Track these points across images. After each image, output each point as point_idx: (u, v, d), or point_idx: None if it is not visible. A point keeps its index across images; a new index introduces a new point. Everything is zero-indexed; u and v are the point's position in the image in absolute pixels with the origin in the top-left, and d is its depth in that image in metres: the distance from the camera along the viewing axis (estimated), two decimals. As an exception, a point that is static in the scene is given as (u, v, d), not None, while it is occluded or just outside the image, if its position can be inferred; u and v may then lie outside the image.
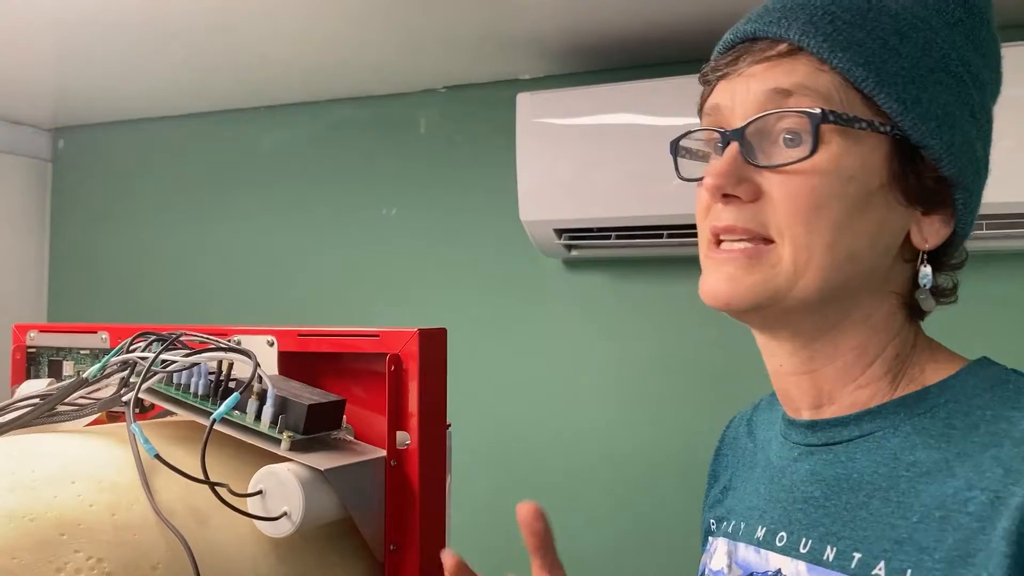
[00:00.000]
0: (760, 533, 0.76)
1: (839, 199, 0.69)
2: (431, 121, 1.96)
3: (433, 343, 0.77)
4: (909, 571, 0.65)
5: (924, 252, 0.73)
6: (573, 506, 1.77)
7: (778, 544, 0.74)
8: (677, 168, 0.79)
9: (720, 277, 0.71)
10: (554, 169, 1.63)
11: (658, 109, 1.54)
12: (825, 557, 0.70)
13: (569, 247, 1.71)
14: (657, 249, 1.63)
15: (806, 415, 0.77)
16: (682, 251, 1.60)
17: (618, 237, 1.63)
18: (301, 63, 1.80)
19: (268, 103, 2.12)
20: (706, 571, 0.85)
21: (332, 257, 2.05)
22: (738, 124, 0.72)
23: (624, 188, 1.57)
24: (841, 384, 0.74)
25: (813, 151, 0.68)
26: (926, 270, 0.73)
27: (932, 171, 0.71)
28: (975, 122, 0.74)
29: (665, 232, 1.57)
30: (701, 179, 0.74)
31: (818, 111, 0.68)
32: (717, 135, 0.73)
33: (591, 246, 1.68)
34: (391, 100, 2.00)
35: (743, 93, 0.72)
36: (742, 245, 0.71)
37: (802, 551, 0.72)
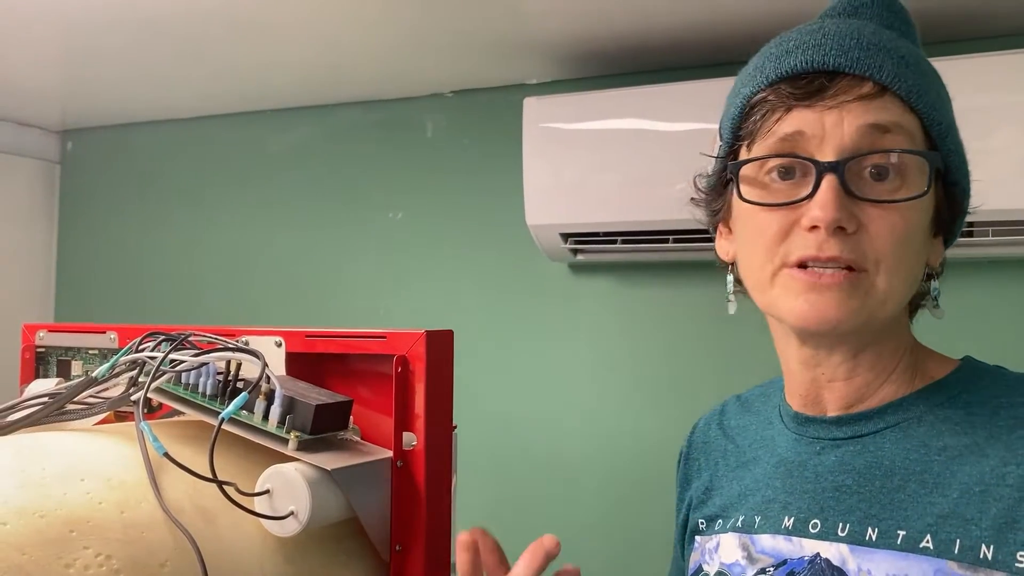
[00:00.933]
0: (788, 523, 0.81)
1: (920, 231, 0.77)
2: (438, 125, 1.97)
3: (440, 345, 0.77)
4: (958, 540, 0.71)
5: (934, 269, 0.82)
6: (578, 508, 1.77)
7: (811, 531, 0.79)
8: (740, 193, 0.80)
9: (825, 300, 0.75)
10: (561, 173, 1.63)
11: (665, 114, 1.54)
12: (867, 538, 0.76)
13: (575, 251, 1.71)
14: (663, 254, 1.63)
15: (833, 412, 0.83)
16: (688, 256, 1.61)
17: (624, 241, 1.63)
18: (309, 66, 1.80)
19: (276, 106, 2.13)
20: (702, 567, 0.88)
21: (339, 260, 2.06)
22: (826, 156, 0.75)
23: (630, 193, 1.57)
24: (877, 385, 0.81)
25: (926, 192, 0.75)
26: (936, 283, 0.83)
27: (957, 204, 0.81)
28: (965, 162, 0.83)
29: (671, 237, 1.57)
30: (776, 205, 0.77)
31: (937, 155, 0.76)
32: (806, 163, 0.75)
33: (597, 250, 1.69)
34: (399, 104, 2.01)
35: (836, 126, 0.75)
36: (841, 272, 0.74)
37: (841, 534, 0.77)
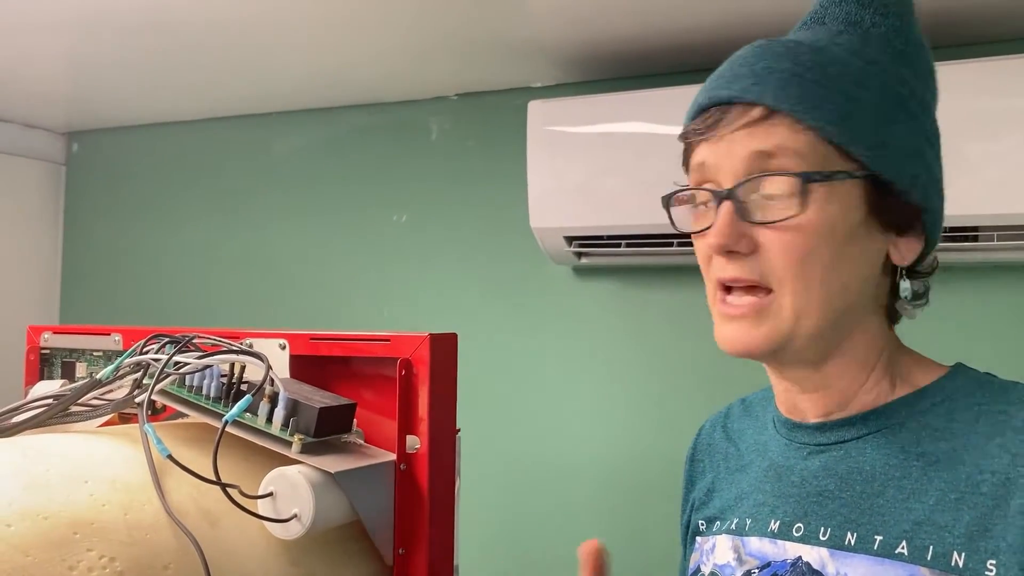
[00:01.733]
0: (774, 526, 0.83)
1: (827, 244, 0.77)
2: (443, 128, 1.97)
3: (444, 348, 0.78)
4: (931, 547, 0.73)
5: (903, 268, 0.82)
6: (582, 512, 1.77)
7: (795, 534, 0.81)
8: (672, 221, 0.86)
9: (735, 330, 0.79)
10: (565, 177, 1.63)
11: (669, 118, 1.54)
12: (846, 542, 0.77)
13: (579, 255, 1.71)
14: (667, 257, 1.63)
15: (813, 420, 0.84)
16: (691, 260, 1.59)
17: (628, 245, 1.63)
18: (314, 69, 1.81)
19: (281, 109, 2.13)
20: (700, 568, 0.91)
21: (343, 262, 2.06)
22: (726, 184, 0.79)
23: (634, 196, 1.57)
24: (851, 394, 0.82)
25: (802, 209, 0.76)
26: (906, 284, 0.82)
27: (900, 201, 0.79)
28: (931, 147, 0.81)
29: (675, 241, 1.57)
30: (698, 232, 0.82)
31: (802, 174, 0.76)
32: (707, 193, 0.80)
33: (601, 254, 1.69)
34: (403, 107, 2.01)
35: (727, 156, 0.79)
36: (748, 299, 0.78)
37: (822, 539, 0.79)
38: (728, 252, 0.78)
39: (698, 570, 0.91)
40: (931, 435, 0.78)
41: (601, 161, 1.60)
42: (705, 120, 0.80)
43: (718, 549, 0.89)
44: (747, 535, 0.85)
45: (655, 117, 1.56)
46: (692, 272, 1.77)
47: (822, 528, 0.79)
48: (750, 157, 0.77)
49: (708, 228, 0.79)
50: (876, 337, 0.82)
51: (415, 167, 2.00)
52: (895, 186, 0.78)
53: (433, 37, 1.58)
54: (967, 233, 1.38)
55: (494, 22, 1.49)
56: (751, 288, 0.78)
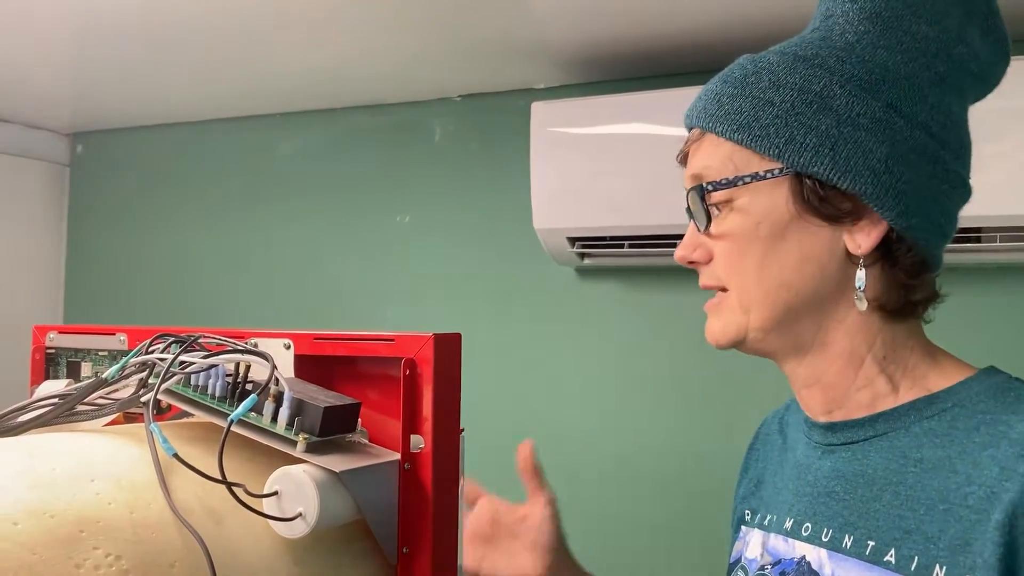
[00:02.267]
0: (788, 524, 0.85)
1: (754, 244, 0.82)
2: (446, 129, 1.98)
3: (448, 348, 0.78)
4: (916, 558, 0.73)
5: (861, 258, 0.81)
6: (584, 510, 1.77)
7: (803, 534, 0.83)
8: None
9: (708, 325, 0.88)
10: (568, 178, 1.64)
11: (672, 119, 1.54)
12: (843, 545, 0.78)
13: (582, 255, 1.71)
14: (670, 258, 1.63)
15: (822, 419, 0.87)
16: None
17: (631, 246, 1.63)
18: (317, 71, 1.81)
19: (285, 110, 2.14)
20: (741, 558, 0.93)
21: (347, 263, 2.06)
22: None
23: (637, 197, 1.57)
24: (843, 390, 0.84)
25: (709, 219, 0.84)
26: (860, 274, 0.81)
27: (830, 189, 0.79)
28: (870, 130, 0.79)
29: (678, 241, 1.57)
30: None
31: (697, 187, 0.84)
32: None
33: (604, 254, 1.69)
34: (406, 108, 2.01)
35: (686, 177, 0.88)
36: (715, 298, 0.87)
37: (824, 540, 0.81)
38: (692, 262, 0.87)
39: (738, 561, 0.93)
40: (931, 441, 0.78)
41: (604, 162, 1.60)
42: (686, 143, 0.89)
43: (751, 543, 0.91)
44: (770, 531, 0.88)
45: (658, 118, 1.57)
46: (695, 273, 1.77)
47: (825, 529, 0.80)
48: (691, 179, 0.86)
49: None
50: (857, 330, 0.82)
51: (418, 168, 2.00)
52: (817, 176, 0.79)
53: (436, 39, 1.58)
54: (970, 234, 1.38)
55: (497, 23, 1.49)
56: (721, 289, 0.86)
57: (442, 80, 1.86)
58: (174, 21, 1.53)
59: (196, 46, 1.66)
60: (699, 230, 0.86)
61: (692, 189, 0.85)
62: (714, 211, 0.84)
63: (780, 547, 0.85)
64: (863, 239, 0.80)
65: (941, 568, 0.71)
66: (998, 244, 1.37)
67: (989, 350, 1.49)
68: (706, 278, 0.87)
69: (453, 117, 1.97)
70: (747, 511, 0.97)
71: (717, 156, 0.83)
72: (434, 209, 1.98)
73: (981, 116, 1.42)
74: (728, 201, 0.82)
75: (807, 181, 0.80)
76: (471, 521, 1.09)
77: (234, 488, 0.67)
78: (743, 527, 0.96)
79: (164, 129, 2.31)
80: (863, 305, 0.81)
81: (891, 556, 0.74)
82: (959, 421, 0.77)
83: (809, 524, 0.83)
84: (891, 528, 0.76)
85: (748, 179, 0.81)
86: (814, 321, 0.82)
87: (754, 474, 1.00)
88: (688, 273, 1.80)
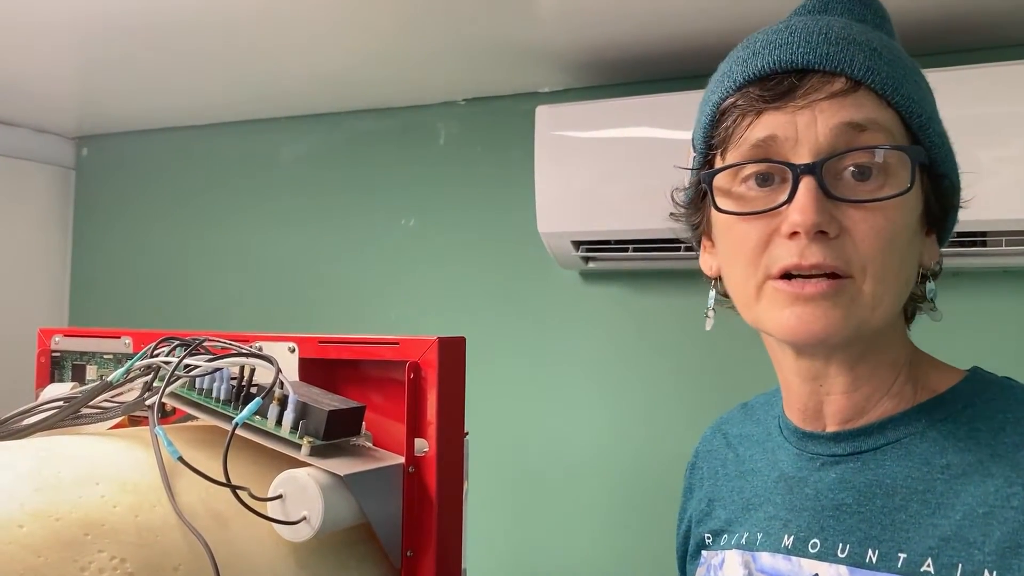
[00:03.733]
0: (788, 541, 0.79)
1: (906, 232, 0.73)
2: (451, 133, 1.98)
3: (452, 351, 0.78)
4: (960, 565, 0.68)
5: (930, 269, 0.79)
6: (589, 515, 1.77)
7: (811, 550, 0.77)
8: (715, 201, 0.77)
9: (809, 312, 0.71)
10: (572, 181, 1.64)
11: (676, 122, 1.55)
12: (868, 560, 0.73)
13: (586, 259, 1.71)
14: (674, 262, 1.63)
15: (831, 428, 0.80)
16: (698, 264, 1.60)
17: (635, 249, 1.63)
18: (322, 74, 1.81)
19: (289, 114, 2.14)
20: None
21: (351, 266, 2.07)
22: (806, 157, 0.71)
23: (642, 201, 1.57)
24: (876, 398, 0.78)
25: (910, 188, 0.71)
26: (931, 285, 0.79)
27: (946, 196, 0.77)
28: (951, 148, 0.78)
29: (682, 245, 1.57)
30: (767, 211, 0.73)
31: (911, 148, 0.72)
32: (782, 167, 0.73)
33: (608, 258, 1.69)
34: (411, 112, 2.02)
35: (809, 127, 0.71)
36: (824, 280, 0.71)
37: (840, 555, 0.75)
38: (816, 233, 0.70)
39: None
40: (955, 446, 0.73)
41: (609, 166, 1.60)
42: (773, 87, 0.73)
43: (727, 565, 0.84)
44: (758, 550, 0.81)
45: (663, 122, 1.56)
46: (700, 276, 1.77)
47: (840, 544, 0.75)
48: (839, 129, 0.71)
49: (776, 207, 0.72)
50: (901, 341, 0.79)
51: (423, 172, 2.00)
52: (946, 180, 0.76)
53: (441, 42, 1.58)
54: (976, 238, 1.38)
55: (502, 27, 1.50)
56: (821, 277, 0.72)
57: (447, 84, 1.86)
58: (179, 25, 1.53)
59: (201, 50, 1.66)
60: (837, 196, 0.70)
61: (885, 147, 0.71)
62: (875, 180, 0.71)
63: (781, 566, 0.78)
64: (933, 251, 0.79)
65: (991, 573, 0.67)
66: (1004, 248, 1.37)
67: (994, 353, 1.49)
68: (830, 256, 0.70)
69: (458, 121, 1.98)
70: (707, 535, 0.89)
71: (888, 119, 0.72)
72: (439, 212, 1.98)
73: (986, 121, 1.42)
74: (912, 171, 0.71)
75: (942, 182, 0.76)
76: None
77: (239, 491, 0.68)
78: (704, 552, 0.89)
79: (168, 133, 2.32)
80: (939, 316, 0.80)
81: (929, 566, 0.69)
82: (979, 422, 0.74)
83: (817, 540, 0.77)
84: (925, 538, 0.71)
85: (928, 161, 0.74)
86: (889, 328, 0.76)
87: (702, 495, 0.93)
88: (693, 277, 1.80)
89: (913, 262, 0.75)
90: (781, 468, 0.84)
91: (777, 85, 0.73)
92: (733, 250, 0.77)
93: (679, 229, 0.90)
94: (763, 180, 0.74)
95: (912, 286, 0.76)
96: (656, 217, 1.60)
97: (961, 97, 1.30)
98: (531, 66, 1.71)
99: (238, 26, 1.53)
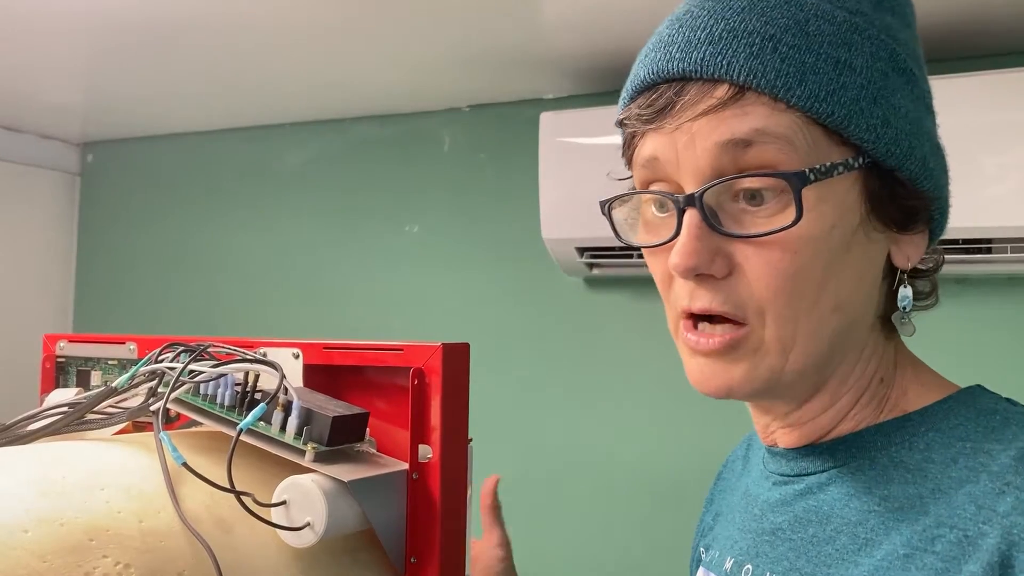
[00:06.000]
0: (728, 564, 0.73)
1: (819, 258, 0.62)
2: (455, 139, 1.98)
3: (456, 358, 0.78)
4: None
5: (905, 272, 0.67)
6: (593, 522, 1.77)
7: None
8: (616, 231, 0.71)
9: (707, 368, 0.65)
10: (576, 188, 1.64)
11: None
12: None
13: (591, 265, 1.71)
14: (678, 269, 1.63)
15: (782, 445, 0.73)
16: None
17: (640, 256, 1.63)
18: (326, 81, 1.82)
19: (294, 120, 2.15)
20: None
21: (356, 272, 2.07)
22: (688, 185, 0.63)
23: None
24: (832, 425, 0.70)
25: (798, 218, 0.60)
26: (906, 292, 0.67)
27: (908, 190, 0.65)
28: (930, 114, 0.67)
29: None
30: (654, 246, 0.67)
31: (796, 173, 0.60)
32: (661, 197, 0.65)
33: (613, 264, 1.69)
34: (416, 118, 2.02)
35: (688, 149, 0.62)
36: (720, 330, 0.64)
37: None
38: (699, 275, 0.62)
39: None
40: (901, 476, 0.64)
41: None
42: (652, 102, 0.64)
43: None
44: (712, 570, 0.77)
45: (667, 129, 1.56)
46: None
47: (768, 573, 0.69)
48: (719, 148, 0.61)
49: (667, 242, 0.65)
50: (868, 356, 0.69)
51: (427, 178, 2.00)
52: (900, 173, 0.63)
53: (445, 49, 1.59)
54: (980, 245, 1.38)
55: (506, 34, 1.50)
56: (721, 319, 0.64)
57: (451, 90, 1.87)
58: (184, 32, 1.54)
59: (206, 56, 1.67)
60: (717, 229, 0.61)
61: (754, 174, 0.60)
62: (770, 205, 0.61)
63: None
64: (913, 251, 0.67)
65: None
66: (1008, 255, 1.37)
67: (999, 361, 1.49)
68: (716, 301, 0.62)
69: (462, 127, 1.98)
70: (702, 548, 0.84)
71: (780, 124, 0.60)
72: (443, 219, 1.98)
73: (990, 128, 1.42)
74: (799, 198, 0.59)
75: (895, 175, 0.63)
76: None
77: (243, 497, 0.68)
78: (700, 568, 0.83)
79: (174, 139, 2.33)
80: (910, 330, 0.68)
81: None
82: (934, 451, 0.64)
83: (751, 566, 0.70)
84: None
85: (841, 169, 0.61)
86: (840, 353, 0.66)
87: (716, 507, 0.87)
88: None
89: (849, 283, 0.64)
90: (747, 485, 0.80)
91: (656, 100, 0.64)
92: (655, 279, 0.71)
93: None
94: (659, 206, 0.67)
95: (856, 308, 0.66)
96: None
97: (965, 105, 1.30)
98: (535, 73, 1.71)
99: (243, 33, 1.54)
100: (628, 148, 0.70)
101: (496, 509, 1.02)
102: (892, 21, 0.64)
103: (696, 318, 0.65)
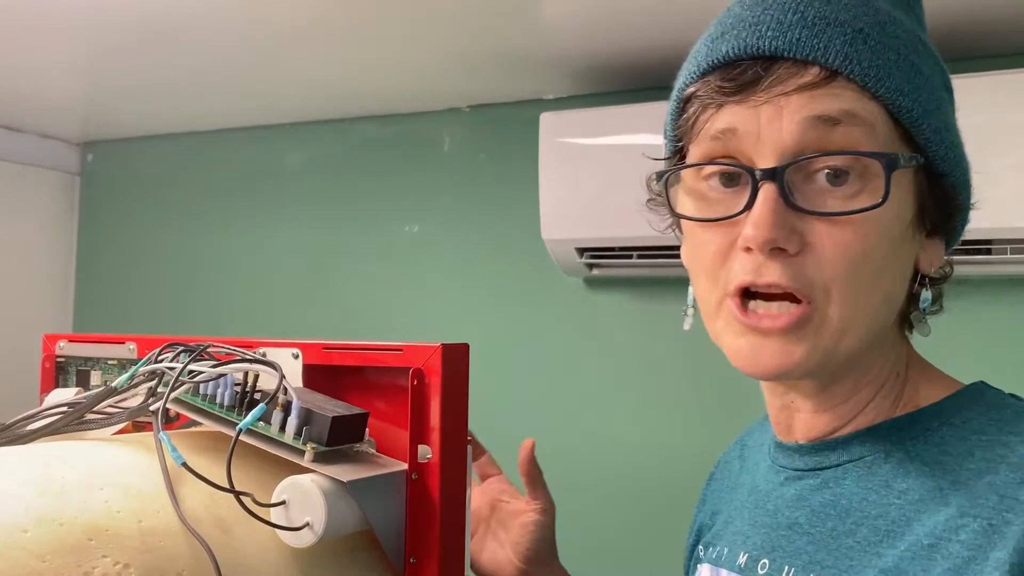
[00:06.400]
0: (742, 560, 0.74)
1: (884, 244, 0.64)
2: (455, 140, 1.98)
3: (456, 358, 0.78)
4: None
5: (927, 276, 0.70)
6: (592, 522, 1.77)
7: (760, 572, 0.72)
8: (670, 204, 0.72)
9: (766, 348, 0.65)
10: (576, 188, 1.64)
11: (681, 130, 1.55)
12: None
13: (591, 266, 1.71)
14: (678, 269, 1.62)
15: (799, 439, 0.75)
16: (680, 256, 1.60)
17: (640, 256, 1.63)
18: (327, 81, 1.82)
19: (294, 120, 2.15)
20: None
21: (355, 273, 2.07)
22: (765, 160, 0.63)
23: (646, 208, 1.57)
24: (851, 416, 0.72)
25: (886, 198, 0.62)
26: (927, 294, 0.70)
27: (948, 196, 0.68)
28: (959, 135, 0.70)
29: (686, 252, 1.57)
30: (721, 219, 0.66)
31: (888, 154, 0.62)
32: (736, 169, 0.66)
33: (612, 265, 1.69)
34: (416, 118, 2.02)
35: (772, 122, 0.63)
36: (782, 310, 0.64)
37: None
38: (773, 249, 0.62)
39: None
40: (919, 469, 0.66)
41: (613, 173, 1.60)
42: (736, 76, 0.64)
43: None
44: (722, 566, 0.78)
45: (667, 129, 1.56)
46: (703, 284, 1.77)
47: (787, 567, 0.69)
48: (807, 124, 0.62)
49: (734, 216, 0.65)
50: (889, 352, 0.71)
51: (427, 179, 2.00)
52: (947, 180, 0.67)
53: (446, 49, 1.59)
54: (980, 247, 1.38)
55: (507, 34, 1.50)
56: (781, 296, 0.64)
57: (451, 90, 1.87)
58: (185, 31, 1.54)
59: (206, 56, 1.67)
60: (794, 206, 0.62)
61: (854, 152, 0.62)
62: (851, 185, 0.63)
63: None
64: (935, 257, 0.70)
65: None
66: (1008, 256, 1.37)
67: (999, 362, 1.49)
68: (787, 276, 0.62)
69: (462, 127, 1.98)
70: (701, 546, 0.85)
71: (870, 112, 0.63)
72: (443, 219, 1.98)
73: (990, 129, 1.42)
74: (888, 180, 0.62)
75: (941, 181, 0.67)
76: (473, 497, 0.98)
77: (242, 497, 0.68)
78: (699, 565, 0.84)
79: (174, 139, 2.32)
80: (927, 330, 0.71)
81: None
82: (949, 445, 0.66)
83: (767, 560, 0.71)
84: (866, 568, 0.64)
85: (914, 161, 0.64)
86: (871, 345, 0.68)
87: (711, 506, 0.89)
88: (696, 284, 1.79)
89: (898, 276, 0.67)
90: (755, 481, 0.80)
91: (741, 74, 0.64)
92: (695, 258, 0.71)
93: (655, 221, 0.82)
94: (727, 179, 0.67)
95: (898, 301, 0.69)
96: (661, 224, 1.60)
97: (964, 106, 1.30)
98: (535, 73, 1.71)
99: (244, 33, 1.54)
100: (688, 122, 0.69)
101: (538, 474, 0.99)
102: (929, 38, 0.69)
103: (745, 298, 0.65)
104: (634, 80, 1.71)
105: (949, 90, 0.69)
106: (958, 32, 1.41)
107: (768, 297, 0.65)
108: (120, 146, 2.41)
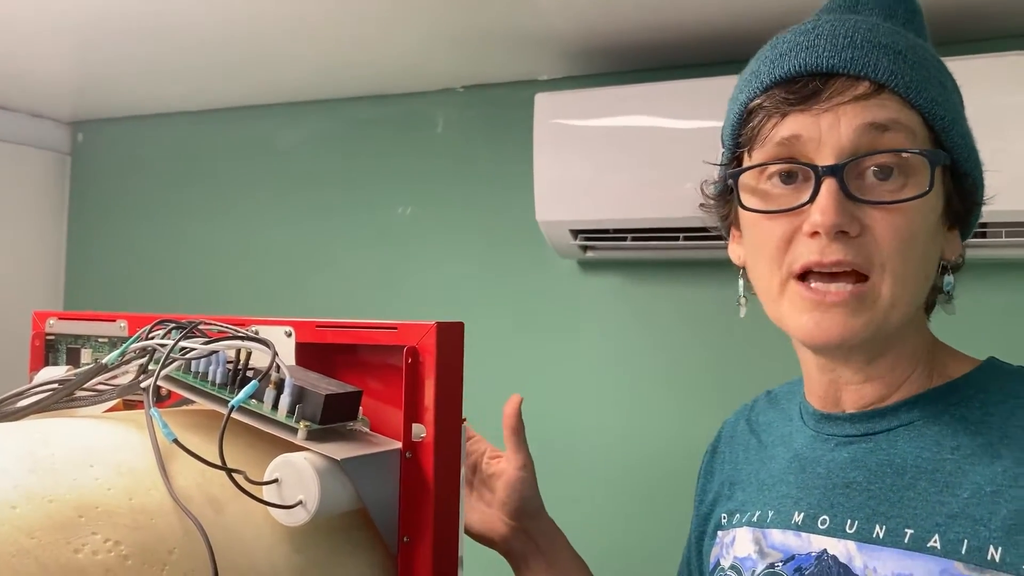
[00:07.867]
0: (798, 518, 0.82)
1: (925, 230, 0.76)
2: (449, 120, 1.97)
3: (450, 337, 0.77)
4: (966, 541, 0.71)
5: (951, 263, 0.82)
6: (586, 505, 1.77)
7: (820, 527, 0.80)
8: (740, 202, 0.81)
9: (830, 319, 0.75)
10: (571, 170, 1.63)
11: (676, 111, 1.54)
12: (875, 535, 0.76)
13: (585, 248, 1.71)
14: (673, 251, 1.63)
15: (849, 409, 0.84)
16: (698, 254, 1.60)
17: (634, 239, 1.63)
18: (320, 61, 1.80)
19: (287, 100, 2.13)
20: (720, 561, 0.89)
21: (348, 254, 2.06)
22: (824, 159, 0.75)
23: (641, 190, 1.57)
24: (896, 386, 0.82)
25: (931, 188, 0.74)
26: (950, 278, 0.82)
27: (967, 194, 0.81)
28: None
29: (681, 235, 1.57)
30: (790, 210, 0.77)
31: (931, 152, 0.75)
32: (805, 168, 0.76)
33: (607, 247, 1.68)
34: (409, 99, 2.01)
35: (832, 128, 0.75)
36: (843, 286, 0.75)
37: (849, 531, 0.78)
38: (837, 233, 0.74)
39: (718, 564, 0.89)
40: (966, 429, 0.76)
41: (608, 154, 1.60)
42: (798, 90, 0.76)
43: (738, 542, 0.87)
44: (768, 527, 0.84)
45: (663, 110, 1.56)
46: (699, 266, 1.77)
47: (849, 520, 0.78)
48: (863, 129, 0.75)
49: (798, 207, 0.76)
50: (923, 331, 0.83)
51: (420, 160, 1.99)
52: (968, 180, 0.80)
53: (440, 29, 1.58)
54: (976, 230, 1.37)
55: (501, 14, 1.49)
56: (840, 275, 0.75)
57: (445, 71, 1.86)
58: (177, 9, 1.52)
59: (198, 35, 1.65)
60: (851, 196, 0.74)
61: (904, 150, 0.75)
62: (896, 180, 0.75)
63: (791, 542, 0.81)
64: (955, 246, 0.83)
65: (996, 549, 0.70)
66: (1003, 240, 1.36)
67: (994, 346, 1.49)
68: (850, 254, 0.74)
69: (456, 108, 1.97)
70: (723, 515, 0.93)
71: (911, 120, 0.76)
72: (436, 200, 1.97)
73: (987, 112, 1.41)
74: (932, 174, 0.75)
75: (963, 180, 0.80)
76: None
77: (234, 475, 0.67)
78: (719, 532, 0.92)
79: (165, 118, 2.31)
80: (952, 309, 0.83)
81: (935, 542, 0.72)
82: (991, 407, 0.77)
83: (827, 516, 0.80)
84: (932, 515, 0.74)
85: (947, 160, 0.78)
86: (910, 322, 0.80)
87: (723, 478, 0.97)
88: (692, 267, 1.79)
89: (933, 259, 0.79)
90: (796, 449, 0.87)
91: (802, 88, 0.76)
92: (757, 246, 0.80)
93: (708, 219, 0.92)
94: (787, 178, 0.78)
95: (931, 282, 0.80)
96: (655, 206, 1.60)
97: (961, 88, 1.30)
98: (530, 53, 1.70)
99: (236, 13, 1.52)
100: (754, 130, 0.79)
101: (520, 431, 1.06)
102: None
103: (806, 275, 0.76)
104: (630, 61, 1.70)
105: (963, 107, 0.82)
106: (952, 14, 1.40)
107: (829, 277, 0.75)
108: (111, 125, 2.39)
